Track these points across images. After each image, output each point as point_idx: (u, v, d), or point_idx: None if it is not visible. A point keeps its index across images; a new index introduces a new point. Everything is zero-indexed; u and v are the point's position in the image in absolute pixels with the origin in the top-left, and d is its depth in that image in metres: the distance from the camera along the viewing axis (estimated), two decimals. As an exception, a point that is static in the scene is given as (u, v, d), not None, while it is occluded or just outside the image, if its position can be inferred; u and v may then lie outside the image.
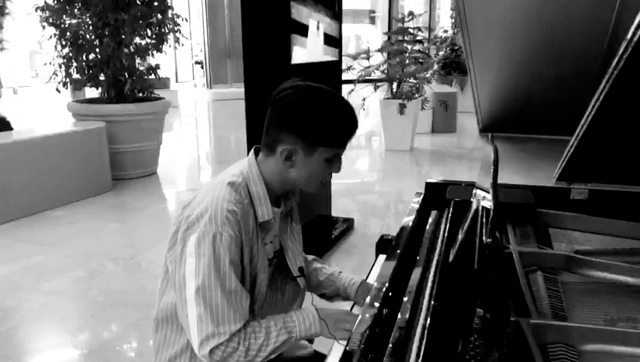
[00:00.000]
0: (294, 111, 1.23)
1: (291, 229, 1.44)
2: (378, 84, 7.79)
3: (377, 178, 6.59)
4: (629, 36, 1.19)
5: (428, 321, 1.03)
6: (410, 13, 7.47)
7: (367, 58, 7.99)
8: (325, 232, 4.01)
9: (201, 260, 1.17)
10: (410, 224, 1.65)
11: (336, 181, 4.58)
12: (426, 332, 0.99)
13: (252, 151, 1.34)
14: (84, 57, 5.80)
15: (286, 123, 1.24)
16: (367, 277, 1.58)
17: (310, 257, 1.60)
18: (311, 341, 1.59)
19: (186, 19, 6.79)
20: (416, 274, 1.30)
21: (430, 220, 1.68)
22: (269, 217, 1.28)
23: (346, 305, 1.49)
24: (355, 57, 7.88)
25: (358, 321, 1.17)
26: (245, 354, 1.20)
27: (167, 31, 6.10)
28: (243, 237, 1.22)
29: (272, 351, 1.23)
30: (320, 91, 1.26)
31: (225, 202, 1.21)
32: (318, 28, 3.65)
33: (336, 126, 1.25)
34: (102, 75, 5.89)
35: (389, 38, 8.22)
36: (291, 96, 1.24)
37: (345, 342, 1.16)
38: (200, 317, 1.18)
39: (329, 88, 1.29)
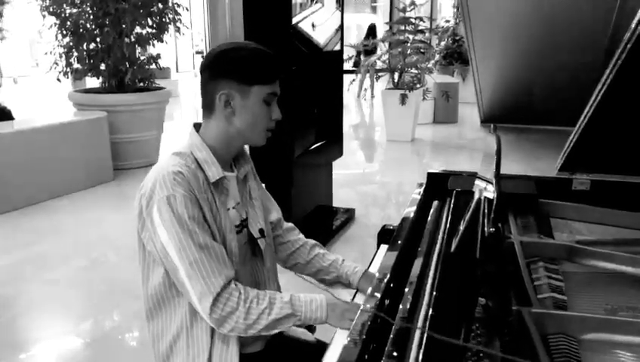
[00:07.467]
0: (222, 58, 1.31)
1: (250, 196, 1.47)
2: (379, 74, 7.76)
3: (378, 168, 6.59)
4: (633, 25, 1.19)
5: (430, 311, 1.03)
6: (412, 3, 7.43)
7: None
8: (326, 222, 4.02)
9: (168, 225, 1.22)
10: (412, 214, 1.65)
11: (338, 171, 4.58)
12: (428, 321, 1.00)
13: (192, 126, 1.39)
14: (85, 47, 5.78)
15: (217, 71, 1.30)
16: (369, 267, 1.58)
17: (312, 242, 1.62)
18: (312, 330, 1.60)
19: (187, 9, 6.75)
20: (418, 264, 1.30)
21: (432, 210, 1.68)
22: (219, 176, 1.32)
23: (344, 293, 1.50)
24: (356, 47, 7.82)
25: (359, 312, 1.17)
26: (245, 316, 1.23)
27: (167, 20, 6.08)
28: (197, 195, 1.26)
29: (273, 322, 1.24)
30: (237, 41, 1.38)
31: (169, 166, 1.27)
32: (319, 18, 3.63)
33: (262, 60, 1.32)
34: (102, 64, 5.87)
35: (390, 27, 8.19)
36: (214, 52, 1.32)
37: (347, 331, 1.16)
38: (189, 276, 1.22)
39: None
